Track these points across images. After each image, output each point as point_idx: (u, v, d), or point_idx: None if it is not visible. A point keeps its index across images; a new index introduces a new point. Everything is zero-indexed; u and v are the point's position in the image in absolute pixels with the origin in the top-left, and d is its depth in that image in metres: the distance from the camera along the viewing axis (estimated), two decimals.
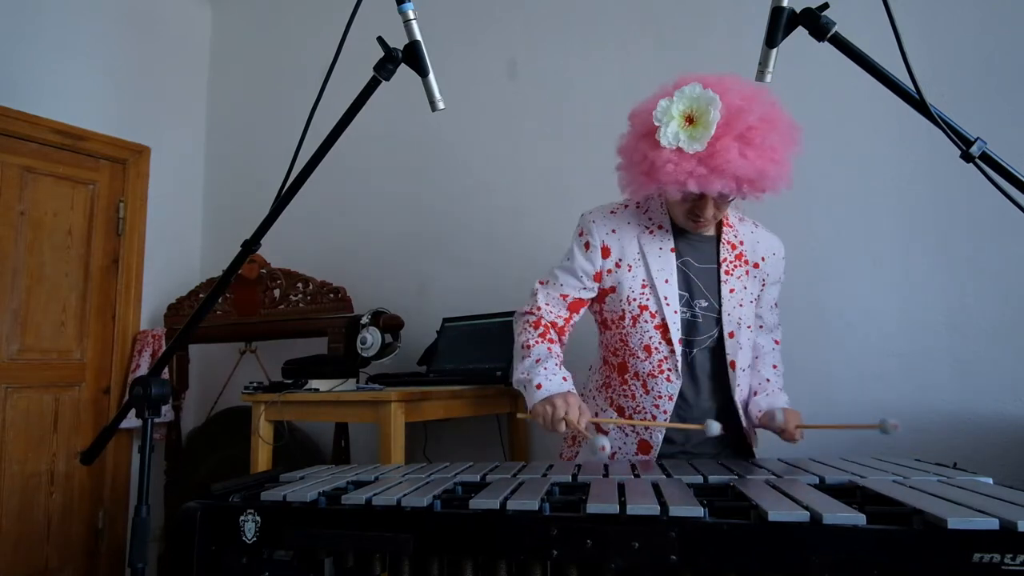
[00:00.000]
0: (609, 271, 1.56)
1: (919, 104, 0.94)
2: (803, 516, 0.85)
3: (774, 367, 1.69)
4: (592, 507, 0.92)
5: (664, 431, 1.54)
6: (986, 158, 0.92)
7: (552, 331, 1.58)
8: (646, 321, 1.53)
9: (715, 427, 1.36)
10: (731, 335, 1.54)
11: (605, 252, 1.56)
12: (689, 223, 1.52)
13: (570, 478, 1.18)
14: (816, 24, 0.97)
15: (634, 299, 1.54)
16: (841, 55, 0.98)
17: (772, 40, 1.01)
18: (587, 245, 1.57)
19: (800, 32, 1.00)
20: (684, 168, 1.34)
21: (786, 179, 1.39)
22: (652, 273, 1.53)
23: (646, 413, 1.54)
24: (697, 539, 0.87)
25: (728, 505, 0.95)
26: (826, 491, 0.99)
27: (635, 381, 1.55)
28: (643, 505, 0.91)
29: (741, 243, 1.60)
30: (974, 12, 2.00)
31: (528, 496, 0.99)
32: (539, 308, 1.60)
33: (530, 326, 1.58)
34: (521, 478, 1.17)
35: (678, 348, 1.51)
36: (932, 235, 2.01)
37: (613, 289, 1.56)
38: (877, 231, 2.08)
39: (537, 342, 1.53)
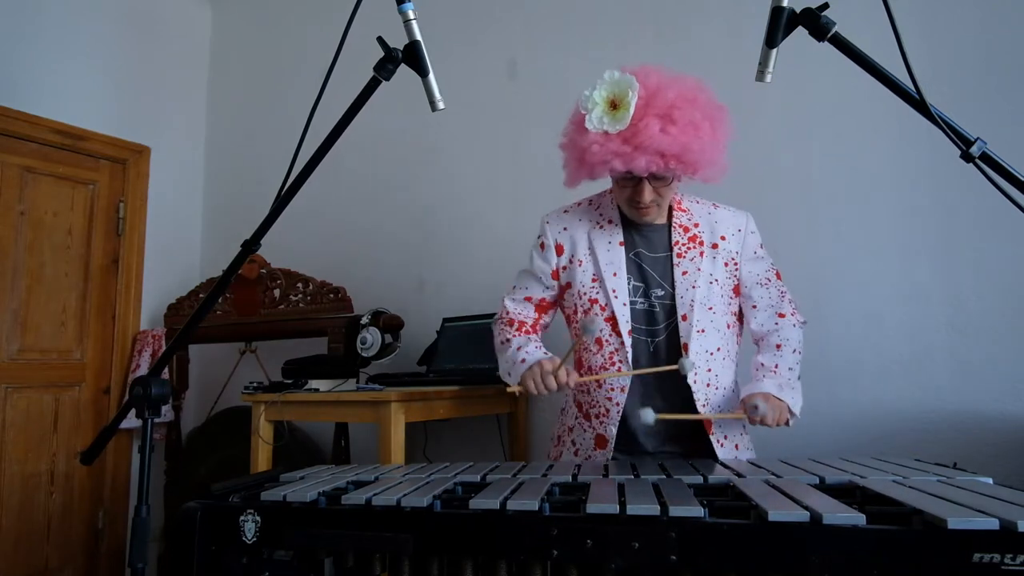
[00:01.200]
0: (564, 268, 1.63)
1: (919, 104, 0.94)
2: (803, 516, 0.85)
3: (778, 346, 1.59)
4: (592, 507, 0.92)
5: (616, 427, 1.56)
6: (986, 158, 0.92)
7: (525, 325, 1.68)
8: (596, 314, 1.56)
9: (688, 364, 1.43)
10: (684, 318, 1.53)
11: (559, 250, 1.63)
12: (633, 212, 1.53)
13: (570, 478, 1.18)
14: (816, 24, 0.97)
15: (584, 293, 1.58)
16: (841, 55, 0.98)
17: (772, 40, 1.01)
18: (542, 245, 1.66)
19: (800, 32, 1.00)
20: (609, 148, 1.39)
21: (717, 160, 1.42)
22: (601, 267, 1.56)
23: (600, 407, 1.58)
24: (697, 539, 0.87)
25: (728, 505, 0.95)
26: (826, 491, 0.99)
27: (588, 375, 1.58)
28: (643, 505, 0.91)
29: (696, 225, 1.58)
30: (974, 12, 2.00)
31: (528, 496, 0.99)
32: (507, 312, 1.71)
33: (504, 324, 1.69)
34: (521, 478, 1.17)
35: (627, 339, 1.53)
36: (932, 235, 2.01)
37: (569, 285, 1.62)
38: (877, 231, 2.08)
39: (515, 335, 1.65)
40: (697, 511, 0.90)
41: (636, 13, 2.52)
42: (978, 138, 0.92)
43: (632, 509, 0.91)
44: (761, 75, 1.04)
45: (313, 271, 3.00)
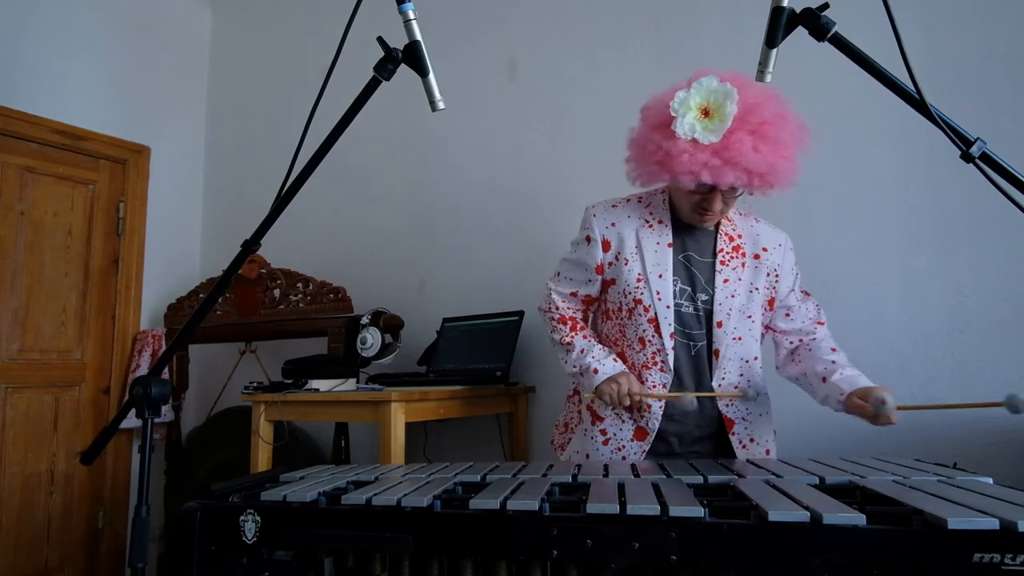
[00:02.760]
0: (610, 264, 1.61)
1: (919, 104, 0.94)
2: (803, 516, 0.85)
3: (833, 349, 1.63)
4: (592, 507, 0.92)
5: (658, 421, 1.56)
6: (986, 158, 0.92)
7: (578, 323, 1.69)
8: (640, 314, 1.56)
9: (751, 393, 1.49)
10: (719, 325, 1.54)
11: (605, 246, 1.61)
12: (696, 216, 1.53)
13: (570, 478, 1.18)
14: (816, 24, 0.97)
15: (630, 292, 1.57)
16: (841, 55, 0.98)
17: (772, 40, 1.01)
18: (588, 239, 1.63)
19: (800, 32, 1.00)
20: (699, 159, 1.36)
21: (794, 177, 1.42)
22: (647, 268, 1.55)
23: (644, 401, 1.58)
24: (697, 539, 0.87)
25: (728, 505, 0.95)
26: (826, 491, 0.99)
27: (631, 371, 1.59)
28: (643, 505, 0.91)
29: (740, 236, 1.61)
30: (974, 12, 2.00)
31: (528, 496, 0.99)
32: (556, 307, 1.70)
33: (557, 323, 1.69)
34: (521, 478, 1.17)
35: (668, 342, 1.53)
36: (932, 235, 2.01)
37: (614, 281, 1.61)
38: (877, 231, 2.08)
39: (572, 336, 1.65)
40: (697, 511, 0.90)
41: (636, 13, 2.52)
42: (978, 138, 0.92)
43: (632, 509, 0.91)
44: (761, 75, 1.04)
45: (313, 271, 3.00)
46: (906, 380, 1.99)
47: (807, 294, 1.71)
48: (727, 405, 1.57)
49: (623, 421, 1.61)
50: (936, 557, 0.79)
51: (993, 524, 0.79)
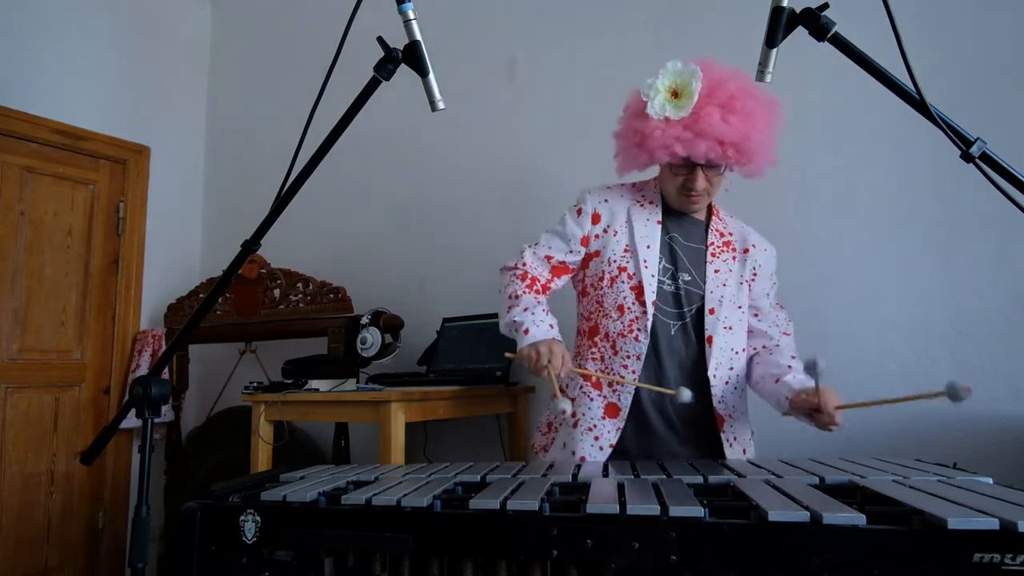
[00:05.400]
0: (597, 236, 1.64)
1: (919, 104, 0.94)
2: (803, 516, 0.85)
3: (792, 357, 1.64)
4: (592, 507, 0.92)
5: (631, 396, 1.54)
6: (986, 158, 0.92)
7: (537, 284, 1.64)
8: (623, 282, 1.58)
9: (686, 394, 1.38)
10: (711, 311, 1.57)
11: (595, 218, 1.65)
12: (683, 198, 1.58)
13: (570, 478, 1.18)
14: (816, 24, 0.97)
15: (615, 260, 1.60)
16: (841, 55, 0.98)
17: (772, 40, 1.01)
18: (579, 211, 1.67)
19: (800, 32, 1.00)
20: (671, 133, 1.46)
21: (770, 152, 1.50)
22: (636, 238, 1.59)
23: (615, 373, 1.56)
24: (697, 539, 0.87)
25: (728, 505, 0.95)
26: (826, 491, 0.99)
27: (604, 342, 1.59)
28: (643, 505, 0.91)
29: (730, 233, 1.67)
30: (974, 12, 2.00)
31: (528, 496, 0.99)
32: (524, 264, 1.66)
33: (517, 278, 1.63)
34: (521, 478, 1.17)
35: (650, 309, 1.55)
36: (932, 235, 2.01)
37: (598, 253, 1.63)
38: (877, 231, 2.08)
39: (525, 292, 1.59)
40: (697, 511, 0.90)
41: (636, 14, 2.52)
42: (978, 138, 0.92)
43: (632, 509, 0.91)
44: (761, 75, 1.04)
45: (313, 271, 3.00)
46: (906, 381, 1.99)
47: (781, 307, 1.74)
48: (719, 401, 1.56)
49: (591, 399, 1.57)
50: (936, 557, 0.79)
51: (993, 524, 0.79)
